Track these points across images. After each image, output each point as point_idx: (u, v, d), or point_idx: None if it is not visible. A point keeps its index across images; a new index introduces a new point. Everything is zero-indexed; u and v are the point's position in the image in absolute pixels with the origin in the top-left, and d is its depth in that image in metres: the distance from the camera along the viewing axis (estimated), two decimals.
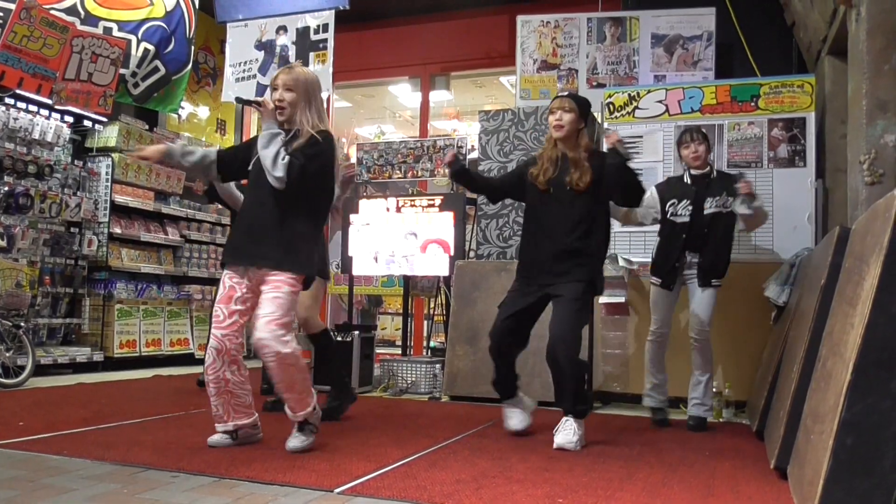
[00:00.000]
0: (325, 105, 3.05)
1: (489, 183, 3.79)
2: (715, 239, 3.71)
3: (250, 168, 2.97)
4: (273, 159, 2.78)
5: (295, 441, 2.87)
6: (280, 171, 2.76)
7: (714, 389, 4.06)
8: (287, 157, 2.78)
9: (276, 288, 2.79)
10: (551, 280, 3.28)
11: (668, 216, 3.79)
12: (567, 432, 3.12)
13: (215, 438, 2.93)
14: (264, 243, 2.84)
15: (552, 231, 3.32)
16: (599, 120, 5.14)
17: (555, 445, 3.09)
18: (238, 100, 3.12)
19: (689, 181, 3.81)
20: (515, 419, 3.45)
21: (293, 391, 2.83)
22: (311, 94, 2.95)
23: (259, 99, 2.96)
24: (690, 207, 3.73)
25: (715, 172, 3.83)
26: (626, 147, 3.26)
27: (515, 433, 3.39)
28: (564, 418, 3.19)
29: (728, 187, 3.69)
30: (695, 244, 3.74)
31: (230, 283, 2.89)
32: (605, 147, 3.40)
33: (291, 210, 2.86)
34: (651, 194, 3.81)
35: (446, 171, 3.54)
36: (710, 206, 3.71)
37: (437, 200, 5.29)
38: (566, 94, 3.48)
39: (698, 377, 3.75)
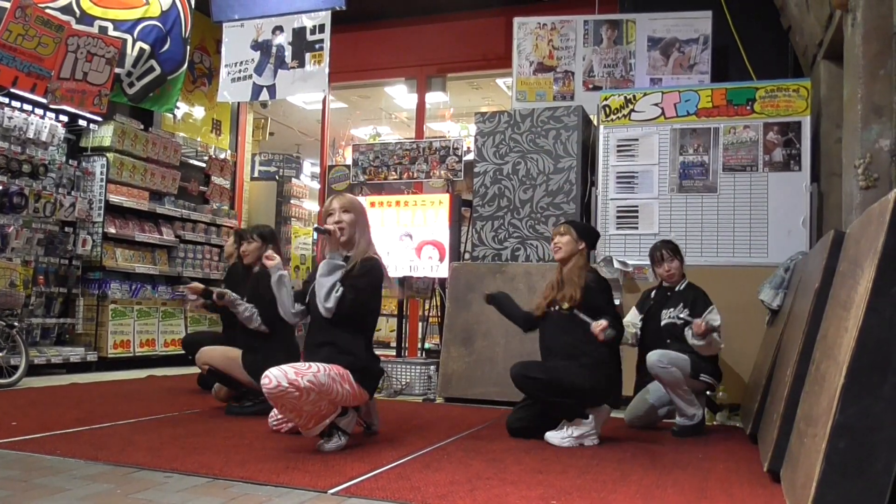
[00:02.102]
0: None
1: (514, 315, 3.77)
2: (679, 344, 3.68)
3: (307, 298, 3.17)
4: (328, 291, 2.96)
5: (324, 444, 2.95)
6: (331, 304, 2.95)
7: (708, 393, 4.07)
8: (341, 291, 2.96)
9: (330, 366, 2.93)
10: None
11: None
12: (558, 430, 3.32)
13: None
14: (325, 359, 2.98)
15: (548, 352, 3.49)
16: (595, 123, 5.16)
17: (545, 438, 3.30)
18: (316, 229, 3.25)
19: (652, 295, 3.94)
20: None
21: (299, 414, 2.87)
22: (364, 218, 3.18)
23: (330, 227, 3.09)
24: (644, 319, 3.88)
25: (683, 284, 3.86)
26: (609, 332, 3.25)
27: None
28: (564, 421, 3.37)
29: (687, 299, 3.74)
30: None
31: None
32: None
33: (348, 332, 3.05)
34: (632, 314, 3.99)
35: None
36: (665, 318, 3.77)
37: (433, 201, 5.29)
38: (564, 221, 3.74)
39: (672, 398, 3.70)
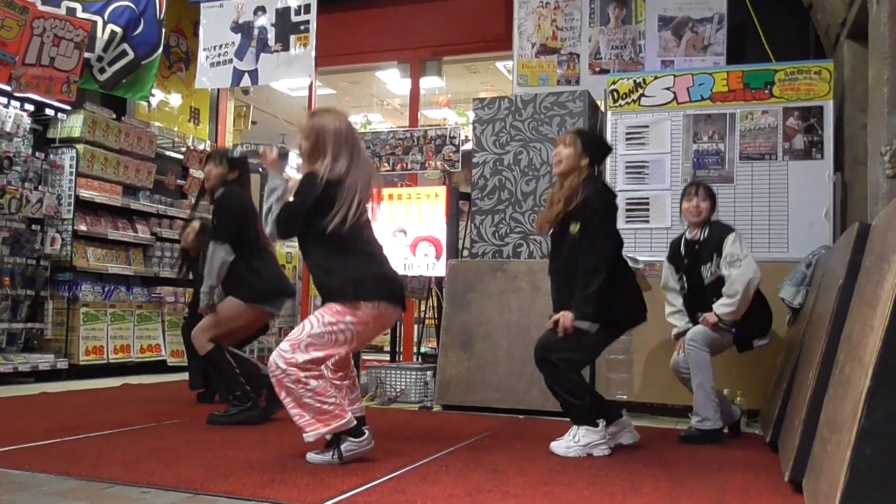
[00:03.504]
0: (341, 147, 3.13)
1: None
2: None
3: None
4: (266, 215, 3.04)
5: (314, 454, 2.98)
6: (269, 228, 3.05)
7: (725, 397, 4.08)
8: (274, 214, 3.02)
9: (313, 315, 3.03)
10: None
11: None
12: (565, 438, 3.30)
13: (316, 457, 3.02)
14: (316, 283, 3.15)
15: (555, 274, 3.47)
16: (603, 109, 5.16)
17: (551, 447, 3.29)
18: (236, 146, 3.26)
19: (682, 251, 3.89)
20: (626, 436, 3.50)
21: (302, 409, 2.90)
22: (327, 141, 3.08)
23: (260, 150, 3.17)
24: (685, 278, 3.88)
25: (706, 232, 3.81)
26: (580, 323, 3.27)
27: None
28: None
29: (714, 245, 3.74)
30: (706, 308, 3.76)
31: None
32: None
33: (314, 250, 3.11)
34: (665, 269, 4.00)
35: None
36: (707, 275, 3.77)
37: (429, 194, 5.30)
38: (575, 129, 3.67)
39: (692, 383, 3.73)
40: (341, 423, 2.91)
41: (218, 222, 4.01)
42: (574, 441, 3.26)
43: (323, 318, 2.95)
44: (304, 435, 2.91)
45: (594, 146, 3.47)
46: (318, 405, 2.87)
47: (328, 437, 2.94)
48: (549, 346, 3.32)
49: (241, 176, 4.18)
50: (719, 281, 3.72)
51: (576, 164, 3.38)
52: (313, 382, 2.86)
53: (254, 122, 9.75)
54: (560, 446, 3.27)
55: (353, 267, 3.05)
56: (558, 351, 3.28)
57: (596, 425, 3.28)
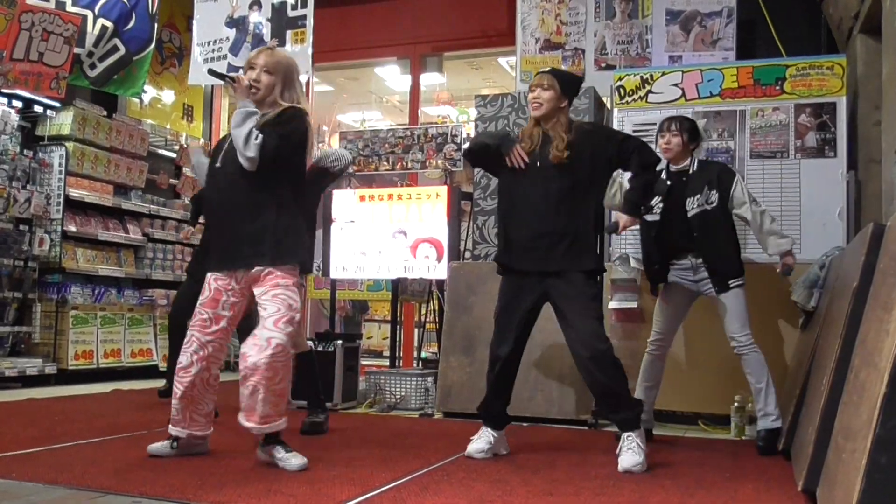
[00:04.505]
0: (304, 90, 3.13)
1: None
2: (710, 238, 3.71)
3: (218, 164, 3.06)
4: (245, 138, 2.87)
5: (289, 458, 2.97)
6: (252, 152, 2.86)
7: (736, 404, 4.08)
8: (260, 137, 2.87)
9: (275, 286, 2.91)
10: (544, 266, 3.30)
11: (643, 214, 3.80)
12: (632, 451, 3.13)
13: (156, 446, 3.08)
14: (249, 240, 2.94)
15: (535, 211, 3.36)
16: (609, 106, 5.15)
17: (620, 469, 3.08)
18: (211, 72, 3.24)
19: (665, 177, 3.84)
20: (481, 442, 3.41)
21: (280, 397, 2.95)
22: (291, 80, 3.08)
23: (233, 74, 3.07)
24: (661, 205, 3.80)
25: (695, 165, 3.83)
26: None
27: (475, 457, 3.34)
28: (625, 434, 3.19)
29: (710, 179, 3.73)
30: (682, 246, 3.76)
31: (216, 285, 3.00)
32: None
33: (268, 195, 2.95)
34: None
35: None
36: (692, 207, 3.74)
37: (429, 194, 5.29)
38: (548, 69, 3.55)
39: (754, 385, 3.72)
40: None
41: None
42: (641, 455, 3.11)
43: (279, 285, 2.91)
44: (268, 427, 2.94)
45: (570, 86, 3.48)
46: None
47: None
48: (599, 332, 3.22)
49: None
50: (704, 214, 3.71)
51: (556, 106, 3.39)
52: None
53: None
54: (629, 461, 3.08)
55: (303, 230, 3.08)
56: (605, 337, 3.24)
57: (638, 426, 3.21)
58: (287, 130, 2.95)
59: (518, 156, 3.33)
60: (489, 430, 3.45)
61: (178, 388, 3.04)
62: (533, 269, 3.32)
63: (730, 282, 3.70)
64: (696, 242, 3.72)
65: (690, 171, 3.80)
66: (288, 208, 3.01)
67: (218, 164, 3.06)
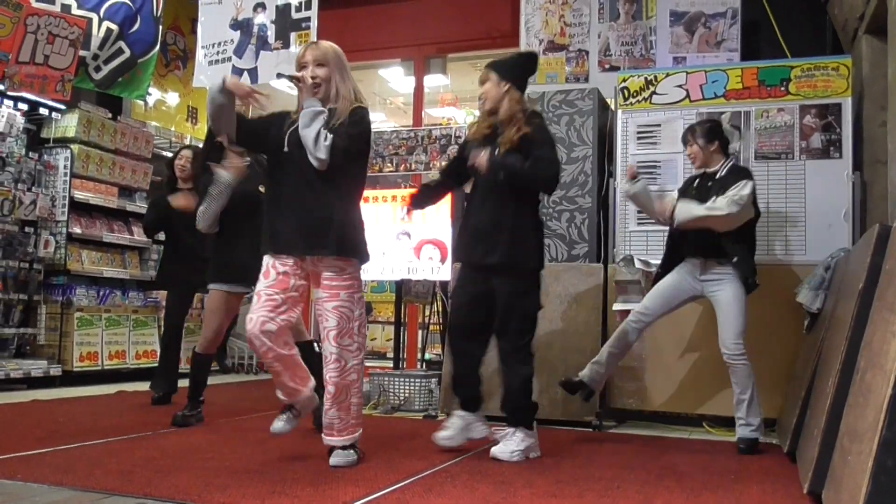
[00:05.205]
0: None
1: (443, 186, 3.87)
2: (714, 237, 3.75)
3: (286, 149, 3.06)
4: (315, 139, 2.90)
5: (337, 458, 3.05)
6: (323, 154, 2.90)
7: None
8: (330, 138, 2.91)
9: (334, 296, 2.98)
10: (488, 260, 3.36)
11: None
12: (512, 442, 3.34)
13: (279, 426, 3.15)
14: (314, 229, 2.98)
15: (483, 205, 3.43)
16: (613, 107, 5.15)
17: (491, 455, 3.30)
18: (279, 75, 3.25)
19: (695, 183, 3.95)
20: (450, 429, 3.49)
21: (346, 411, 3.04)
22: (343, 67, 3.10)
23: (299, 74, 3.06)
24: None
25: (724, 169, 3.86)
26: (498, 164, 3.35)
27: (442, 446, 3.43)
28: (512, 430, 3.38)
29: (729, 182, 3.75)
30: (696, 244, 3.82)
31: (283, 268, 3.03)
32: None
33: (333, 188, 3.00)
34: (673, 198, 3.98)
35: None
36: None
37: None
38: (487, 63, 3.60)
39: (738, 396, 3.74)
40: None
41: None
42: (517, 447, 3.31)
43: (340, 295, 2.99)
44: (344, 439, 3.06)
45: (512, 70, 3.49)
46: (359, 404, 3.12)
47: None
48: (516, 329, 3.37)
49: None
50: None
51: (499, 93, 3.42)
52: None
53: None
54: (504, 452, 3.29)
55: (362, 226, 3.14)
56: (525, 332, 3.38)
57: (531, 427, 3.37)
58: (357, 131, 3.00)
59: (476, 159, 3.37)
60: (460, 412, 3.51)
61: (276, 367, 3.06)
62: (479, 263, 3.41)
63: (747, 278, 3.72)
64: (702, 242, 3.75)
65: (718, 175, 3.84)
66: (350, 203, 3.08)
67: (286, 150, 3.06)
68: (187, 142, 7.82)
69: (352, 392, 3.03)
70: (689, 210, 3.73)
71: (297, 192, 3.00)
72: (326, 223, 2.96)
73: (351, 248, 3.03)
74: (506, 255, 3.32)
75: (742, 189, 3.64)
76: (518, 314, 3.35)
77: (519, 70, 3.53)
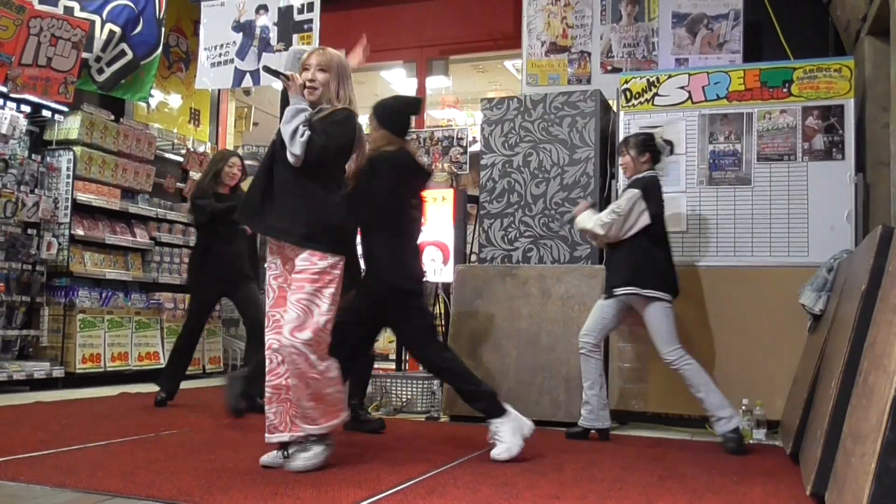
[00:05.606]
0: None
1: None
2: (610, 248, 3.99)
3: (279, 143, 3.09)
4: (292, 135, 2.93)
5: (298, 461, 2.98)
6: (297, 149, 2.92)
7: (744, 407, 4.07)
8: (307, 134, 2.93)
9: (299, 288, 2.93)
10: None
11: None
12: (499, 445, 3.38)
13: (268, 458, 3.05)
14: (287, 217, 2.98)
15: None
16: (615, 108, 5.15)
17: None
18: (265, 69, 3.27)
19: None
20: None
21: (321, 402, 2.98)
22: (345, 76, 3.17)
23: (288, 73, 3.09)
24: None
25: (630, 181, 4.07)
26: None
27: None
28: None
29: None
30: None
31: (276, 284, 3.07)
32: None
33: (316, 186, 3.01)
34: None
35: None
36: None
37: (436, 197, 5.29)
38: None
39: (697, 396, 3.79)
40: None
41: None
42: (505, 447, 3.33)
43: (305, 287, 2.94)
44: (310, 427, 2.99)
45: (387, 116, 3.73)
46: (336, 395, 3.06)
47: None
48: (421, 343, 3.58)
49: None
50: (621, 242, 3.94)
51: (376, 138, 3.63)
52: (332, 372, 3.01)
53: (255, 124, 9.77)
54: (501, 452, 3.31)
55: (331, 224, 3.08)
56: (427, 345, 3.57)
57: (506, 412, 3.42)
58: (336, 131, 3.02)
59: None
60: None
61: (269, 393, 3.04)
62: None
63: (614, 289, 3.88)
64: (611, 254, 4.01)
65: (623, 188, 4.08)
66: (329, 199, 3.04)
67: (279, 144, 3.11)
68: (189, 144, 7.83)
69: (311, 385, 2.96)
70: (581, 221, 4.01)
71: (280, 184, 3.04)
72: (297, 213, 2.97)
73: (323, 242, 2.97)
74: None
75: (621, 199, 3.84)
76: None
77: (396, 117, 3.81)
